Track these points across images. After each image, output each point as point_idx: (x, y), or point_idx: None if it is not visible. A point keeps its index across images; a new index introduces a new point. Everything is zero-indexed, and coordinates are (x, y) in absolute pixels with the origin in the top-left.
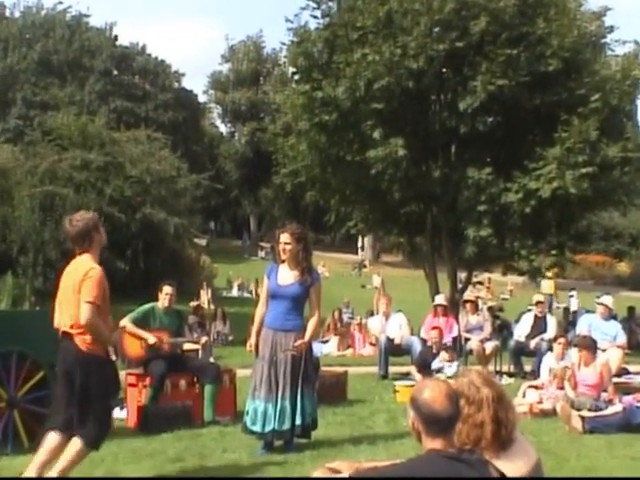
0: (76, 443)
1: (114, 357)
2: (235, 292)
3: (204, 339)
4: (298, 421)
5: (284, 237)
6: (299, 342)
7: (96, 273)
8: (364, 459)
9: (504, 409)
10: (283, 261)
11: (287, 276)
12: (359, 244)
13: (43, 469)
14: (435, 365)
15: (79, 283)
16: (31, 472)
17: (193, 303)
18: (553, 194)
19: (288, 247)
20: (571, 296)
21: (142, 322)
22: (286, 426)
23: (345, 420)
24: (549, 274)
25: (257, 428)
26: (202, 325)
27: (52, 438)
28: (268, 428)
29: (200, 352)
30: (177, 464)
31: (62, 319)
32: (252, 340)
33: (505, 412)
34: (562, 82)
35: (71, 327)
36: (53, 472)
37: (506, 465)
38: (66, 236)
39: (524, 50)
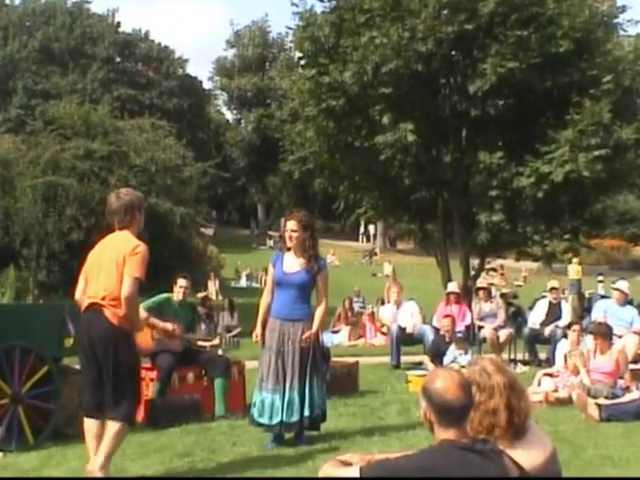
0: (114, 425)
1: None
2: (243, 282)
3: (217, 341)
4: (307, 413)
5: (290, 224)
6: (307, 333)
7: (143, 250)
8: (376, 451)
9: (517, 396)
10: (289, 249)
11: (293, 264)
12: (361, 230)
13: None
14: (448, 358)
15: (124, 257)
16: (94, 463)
17: (201, 294)
18: (566, 178)
19: (295, 234)
20: (600, 281)
21: (156, 312)
22: (294, 418)
23: (357, 411)
24: (575, 259)
25: (264, 420)
26: (210, 317)
27: (89, 425)
28: (276, 420)
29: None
30: (186, 459)
31: (93, 290)
32: (258, 330)
33: (518, 399)
34: (573, 63)
35: (103, 298)
36: (99, 458)
37: (521, 455)
38: (109, 209)
39: (534, 31)
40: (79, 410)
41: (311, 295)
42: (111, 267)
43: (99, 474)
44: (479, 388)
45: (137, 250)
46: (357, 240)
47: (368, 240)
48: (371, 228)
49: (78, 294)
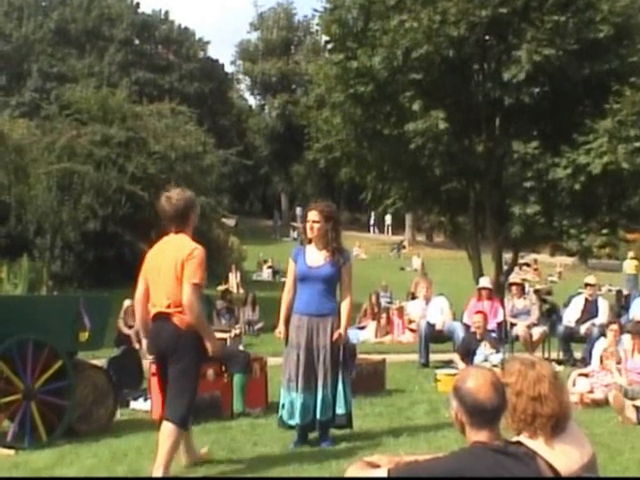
0: (169, 428)
1: (138, 346)
2: (265, 275)
3: (236, 331)
4: (340, 410)
5: (312, 215)
6: (337, 333)
7: (200, 253)
8: (404, 452)
9: (560, 388)
10: (310, 242)
11: (317, 257)
12: (371, 222)
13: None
14: (479, 357)
15: (182, 262)
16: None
17: (221, 287)
18: (604, 169)
19: (316, 225)
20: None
21: None
22: (328, 415)
23: (383, 411)
24: (631, 253)
25: (296, 421)
26: (231, 310)
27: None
28: (307, 420)
29: (229, 340)
30: (205, 459)
31: (156, 298)
32: (281, 327)
33: (561, 392)
34: (613, 49)
35: (168, 306)
36: (158, 465)
37: (558, 457)
38: (163, 214)
39: (572, 16)
40: (93, 407)
41: (337, 289)
42: (170, 273)
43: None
44: (521, 375)
45: (194, 255)
46: (385, 232)
47: (381, 232)
48: (387, 218)
49: (139, 295)
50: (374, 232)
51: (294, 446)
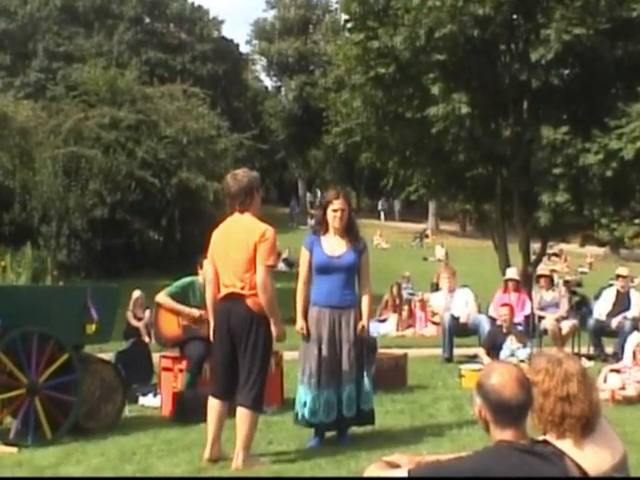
0: (244, 413)
1: (147, 339)
2: (282, 265)
3: None
4: (365, 406)
5: (339, 203)
6: (360, 325)
7: (272, 235)
8: (426, 452)
9: (589, 385)
10: (327, 231)
11: (337, 246)
12: (379, 206)
13: (219, 440)
14: (505, 352)
15: (255, 244)
16: (208, 449)
17: None
18: (637, 155)
19: (344, 213)
20: None
21: (181, 298)
22: (353, 412)
23: (405, 408)
24: None
25: (320, 418)
26: None
27: (214, 404)
28: (331, 417)
29: None
30: None
31: (228, 279)
32: (301, 323)
33: (590, 390)
34: None
35: (242, 288)
36: (239, 454)
37: (588, 456)
38: (227, 191)
39: None
40: (101, 402)
41: (356, 279)
42: (242, 255)
43: (247, 468)
44: (548, 373)
45: (266, 236)
46: (407, 221)
47: (386, 218)
48: (396, 204)
49: (210, 276)
50: (381, 219)
51: (312, 445)
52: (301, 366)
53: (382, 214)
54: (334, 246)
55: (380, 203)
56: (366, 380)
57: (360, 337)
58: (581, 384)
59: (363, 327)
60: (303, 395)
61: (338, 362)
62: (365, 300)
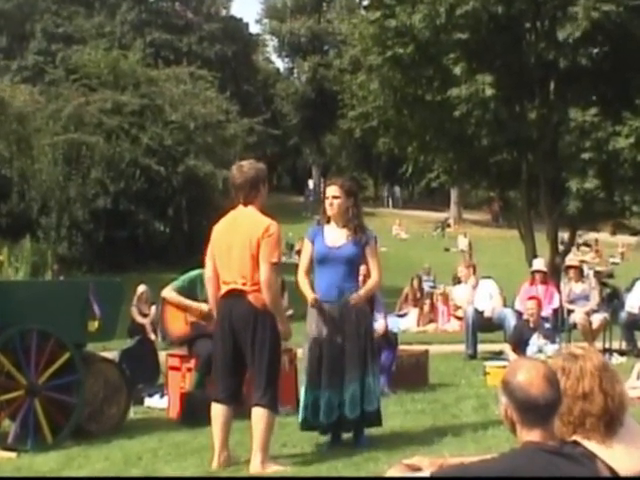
0: (260, 413)
1: (153, 336)
2: (295, 257)
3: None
4: (369, 407)
5: (332, 190)
6: (355, 296)
7: (276, 230)
8: (449, 454)
9: (610, 379)
10: (329, 220)
11: (337, 236)
12: (397, 194)
13: (227, 446)
14: (532, 348)
15: (258, 240)
16: (216, 458)
17: None
18: None
19: (336, 201)
20: None
21: (188, 292)
22: (357, 413)
23: (426, 408)
24: None
25: (322, 420)
26: None
27: (218, 410)
28: (333, 418)
29: None
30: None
31: (229, 275)
32: (312, 294)
33: (611, 383)
34: None
35: (243, 284)
36: (256, 457)
37: (617, 457)
38: (232, 182)
39: None
40: (104, 404)
41: (359, 273)
42: (244, 251)
43: (264, 470)
44: (564, 372)
45: (270, 232)
46: (428, 209)
47: (395, 206)
48: (397, 190)
49: (209, 273)
50: (388, 206)
51: (327, 448)
52: (305, 366)
53: (389, 201)
54: (335, 237)
55: (386, 189)
56: (371, 379)
57: (363, 328)
58: (599, 379)
59: (358, 296)
60: (305, 397)
61: (341, 360)
62: (369, 283)
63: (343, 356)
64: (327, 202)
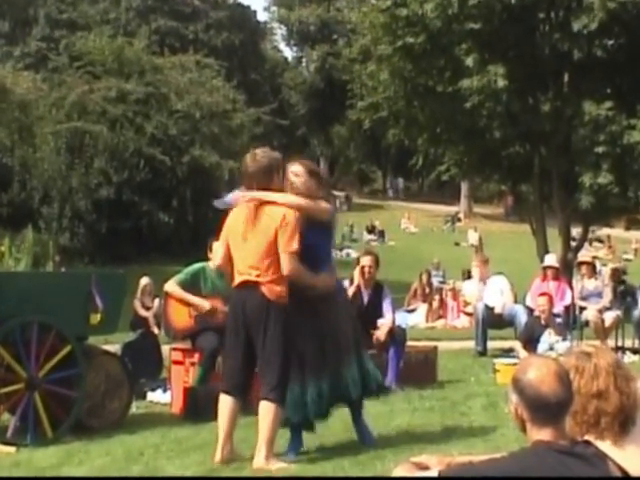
0: (267, 406)
1: (156, 330)
2: None
3: None
4: (369, 385)
5: (295, 168)
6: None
7: (292, 218)
8: (457, 453)
9: (624, 378)
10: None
11: None
12: (400, 186)
13: (231, 440)
14: (543, 345)
15: (276, 230)
16: (219, 450)
17: None
18: None
19: (299, 180)
20: None
21: (191, 286)
22: (357, 393)
23: (434, 405)
24: None
25: (304, 414)
26: None
27: (227, 402)
28: (319, 411)
29: None
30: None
31: (243, 266)
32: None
33: (626, 381)
34: None
35: (258, 276)
36: (261, 452)
37: (629, 457)
38: (244, 170)
39: None
40: (106, 398)
41: (330, 257)
42: (260, 241)
43: (268, 466)
44: (577, 371)
45: (287, 220)
46: (438, 203)
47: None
48: (400, 182)
49: (218, 260)
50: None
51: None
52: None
53: (391, 192)
54: None
55: (389, 181)
56: (364, 361)
57: (346, 313)
58: (614, 377)
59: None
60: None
61: (322, 351)
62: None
63: (324, 345)
64: (289, 180)
